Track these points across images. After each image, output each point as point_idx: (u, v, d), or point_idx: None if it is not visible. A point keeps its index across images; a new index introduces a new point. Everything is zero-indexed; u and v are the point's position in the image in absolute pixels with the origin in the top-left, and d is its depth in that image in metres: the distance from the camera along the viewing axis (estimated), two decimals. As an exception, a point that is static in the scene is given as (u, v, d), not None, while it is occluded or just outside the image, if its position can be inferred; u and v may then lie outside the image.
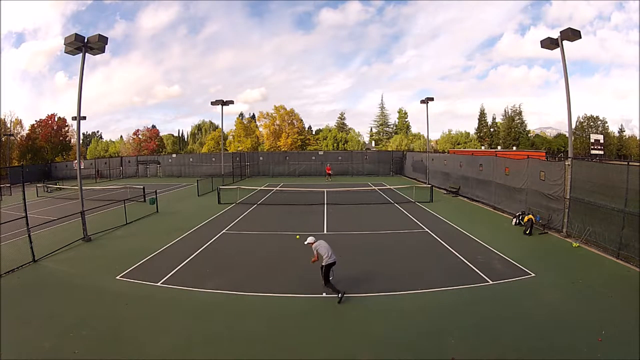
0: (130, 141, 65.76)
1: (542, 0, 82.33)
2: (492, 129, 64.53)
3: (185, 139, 79.71)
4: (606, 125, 61.15)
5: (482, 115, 65.37)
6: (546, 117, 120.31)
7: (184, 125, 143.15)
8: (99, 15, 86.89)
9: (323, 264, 7.75)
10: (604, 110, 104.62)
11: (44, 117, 55.41)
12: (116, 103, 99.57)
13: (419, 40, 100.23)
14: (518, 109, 62.90)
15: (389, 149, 53.95)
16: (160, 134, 69.57)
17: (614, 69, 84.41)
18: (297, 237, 10.87)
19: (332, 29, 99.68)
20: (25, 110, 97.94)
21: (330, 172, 33.52)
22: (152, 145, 62.86)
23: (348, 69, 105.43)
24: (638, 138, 59.34)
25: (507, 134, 62.19)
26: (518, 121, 62.76)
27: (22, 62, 79.13)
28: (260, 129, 61.63)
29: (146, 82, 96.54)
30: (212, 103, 30.35)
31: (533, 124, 78.58)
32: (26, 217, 10.69)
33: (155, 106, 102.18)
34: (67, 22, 78.49)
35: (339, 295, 7.43)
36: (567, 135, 15.23)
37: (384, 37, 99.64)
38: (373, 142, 67.62)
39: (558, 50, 13.47)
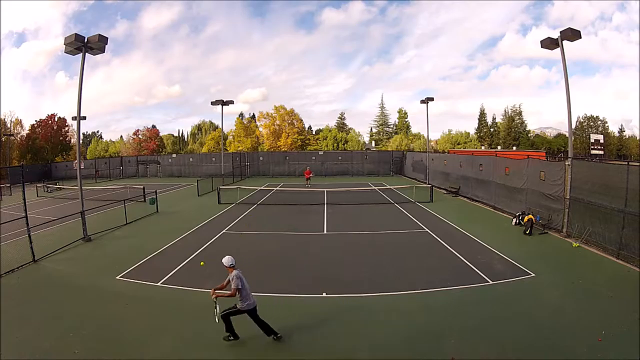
0: (130, 141, 65.78)
1: (544, 0, 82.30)
2: (492, 129, 64.55)
3: (185, 139, 79.74)
4: (606, 125, 61.28)
5: (482, 115, 65.52)
6: (546, 117, 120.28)
7: (184, 125, 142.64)
8: (100, 15, 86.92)
9: (239, 306, 5.83)
10: (604, 110, 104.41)
11: (44, 117, 55.47)
12: (117, 103, 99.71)
13: (420, 40, 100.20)
14: (518, 109, 63.07)
15: (389, 149, 53.94)
16: (160, 134, 69.64)
17: (614, 69, 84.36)
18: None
19: (334, 29, 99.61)
20: (26, 110, 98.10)
21: (309, 176, 28.08)
22: (152, 145, 62.87)
23: (349, 69, 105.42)
24: (638, 138, 59.36)
25: (507, 134, 62.23)
26: (518, 121, 62.85)
27: (23, 62, 79.17)
28: (260, 129, 61.68)
29: (147, 82, 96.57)
30: (212, 103, 30.40)
31: (533, 124, 78.24)
32: (26, 217, 10.69)
33: (155, 106, 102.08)
34: (68, 22, 78.47)
35: (230, 337, 5.99)
36: (567, 135, 15.23)
37: (385, 37, 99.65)
38: (373, 142, 67.62)
39: (559, 50, 13.47)
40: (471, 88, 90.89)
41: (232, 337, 5.99)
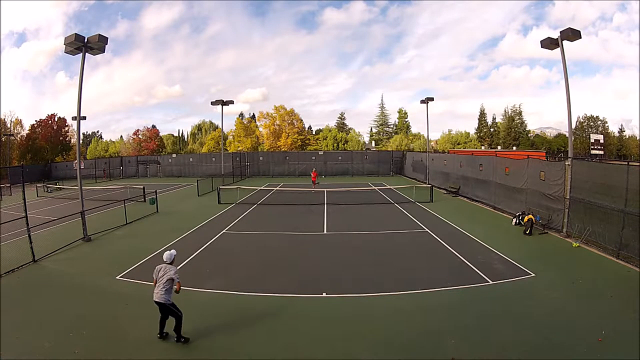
0: (130, 141, 65.75)
1: (545, 0, 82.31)
2: (492, 129, 64.54)
3: (185, 139, 79.69)
4: (606, 125, 61.24)
5: (482, 115, 65.50)
6: (546, 117, 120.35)
7: (184, 125, 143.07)
8: (100, 14, 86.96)
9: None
10: (605, 110, 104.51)
11: (44, 117, 55.47)
12: (117, 103, 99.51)
13: (421, 40, 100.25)
14: (518, 109, 63.03)
15: (389, 149, 53.92)
16: (160, 134, 69.60)
17: (615, 69, 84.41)
18: None
19: (335, 29, 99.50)
20: (26, 110, 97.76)
21: (315, 179, 25.36)
22: (152, 145, 62.84)
23: (350, 69, 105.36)
24: (638, 138, 59.34)
25: (507, 134, 62.20)
26: (518, 121, 62.81)
27: (23, 62, 79.17)
28: (260, 129, 61.65)
29: (147, 81, 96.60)
30: (212, 103, 30.34)
31: (533, 124, 78.52)
32: (26, 217, 10.68)
33: (156, 106, 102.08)
34: (69, 22, 78.54)
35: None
36: (567, 135, 15.23)
37: (386, 37, 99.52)
38: (373, 142, 67.60)
39: (559, 50, 13.46)
40: (472, 88, 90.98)
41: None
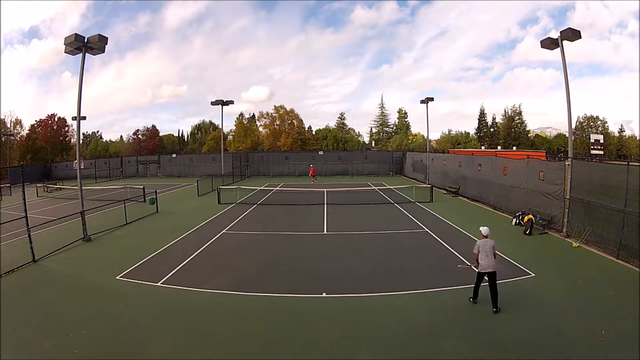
0: (130, 141, 65.74)
1: (565, 1, 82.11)
2: (492, 129, 64.52)
3: (186, 139, 79.61)
4: (606, 125, 61.18)
5: (482, 115, 65.40)
6: (546, 117, 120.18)
7: (190, 125, 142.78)
8: (99, 14, 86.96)
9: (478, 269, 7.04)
10: (612, 112, 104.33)
11: (44, 117, 55.56)
12: (123, 102, 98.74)
13: (433, 41, 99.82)
14: (518, 109, 62.95)
15: (389, 149, 53.89)
16: (160, 134, 69.55)
17: (625, 72, 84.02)
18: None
19: (346, 29, 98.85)
20: (32, 108, 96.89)
21: (314, 173, 31.13)
22: (151, 146, 62.81)
23: (356, 69, 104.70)
24: (638, 138, 59.33)
25: (507, 134, 62.18)
26: (518, 121, 62.78)
27: (33, 60, 79.38)
28: (260, 129, 61.66)
29: (153, 81, 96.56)
30: (212, 103, 30.32)
31: (533, 123, 78.06)
32: (26, 217, 10.69)
33: (161, 106, 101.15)
34: (83, 21, 78.59)
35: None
36: (567, 135, 15.23)
37: (396, 38, 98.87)
38: (373, 142, 67.58)
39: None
40: (482, 89, 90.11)
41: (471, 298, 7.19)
